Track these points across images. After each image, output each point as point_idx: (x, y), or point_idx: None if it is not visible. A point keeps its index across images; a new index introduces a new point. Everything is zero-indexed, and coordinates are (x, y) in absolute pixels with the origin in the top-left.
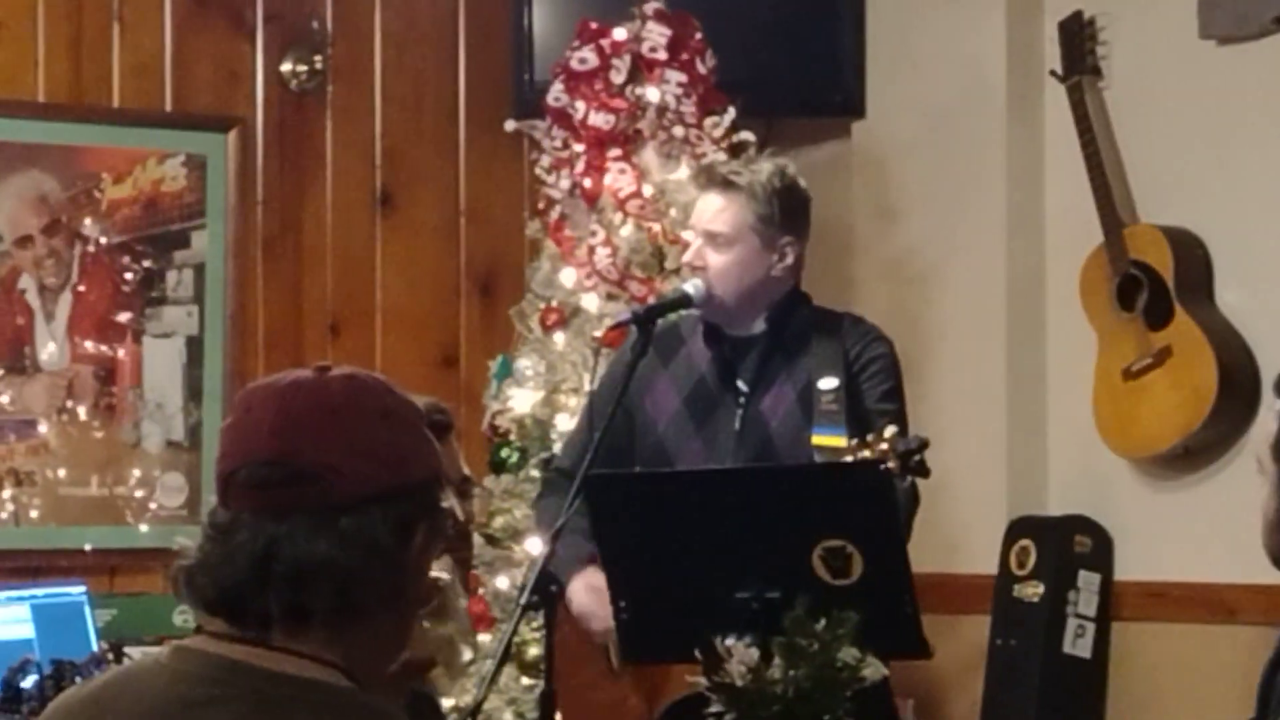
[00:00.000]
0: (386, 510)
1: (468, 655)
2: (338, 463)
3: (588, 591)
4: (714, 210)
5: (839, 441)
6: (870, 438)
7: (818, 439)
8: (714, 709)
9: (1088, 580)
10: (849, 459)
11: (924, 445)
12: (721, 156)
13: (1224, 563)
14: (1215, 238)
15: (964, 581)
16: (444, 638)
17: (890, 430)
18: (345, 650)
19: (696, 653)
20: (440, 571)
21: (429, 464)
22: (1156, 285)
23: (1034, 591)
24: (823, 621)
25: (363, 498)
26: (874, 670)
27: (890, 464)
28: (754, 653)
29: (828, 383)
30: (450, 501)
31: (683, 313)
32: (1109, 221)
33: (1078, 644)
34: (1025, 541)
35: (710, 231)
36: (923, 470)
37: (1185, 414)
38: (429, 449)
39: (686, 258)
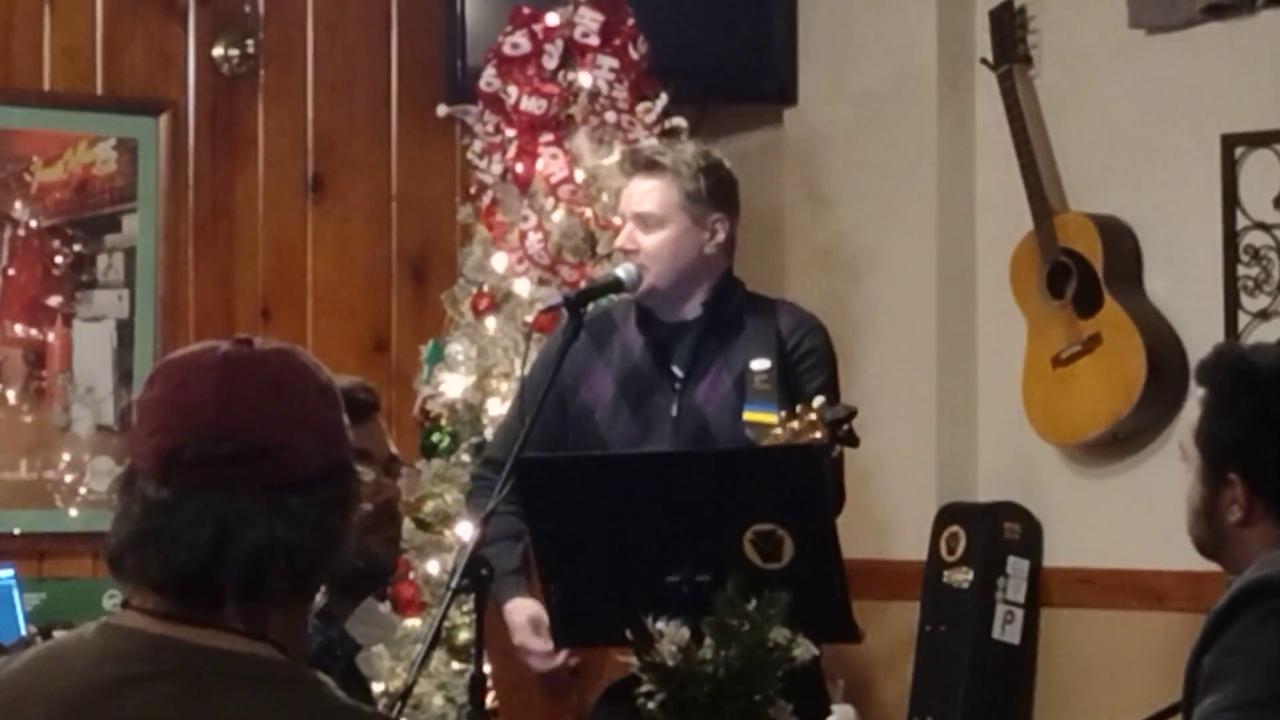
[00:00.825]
0: (330, 488)
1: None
2: (288, 439)
3: (532, 627)
4: (641, 192)
5: (770, 418)
6: (799, 408)
7: (749, 415)
8: (645, 689)
9: (1017, 566)
10: (778, 431)
11: (852, 414)
12: (653, 142)
13: (1152, 549)
14: (1144, 226)
15: (893, 567)
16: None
17: (818, 400)
18: (286, 626)
19: (628, 633)
20: None
21: (351, 439)
22: (1086, 273)
23: (963, 577)
24: (753, 602)
25: (312, 475)
26: (804, 650)
27: (819, 434)
28: (685, 633)
29: (760, 363)
30: (369, 475)
31: (615, 299)
32: (1039, 209)
33: (1006, 630)
34: (954, 528)
35: (640, 213)
36: (851, 439)
37: (1114, 401)
38: (345, 420)
39: (618, 242)
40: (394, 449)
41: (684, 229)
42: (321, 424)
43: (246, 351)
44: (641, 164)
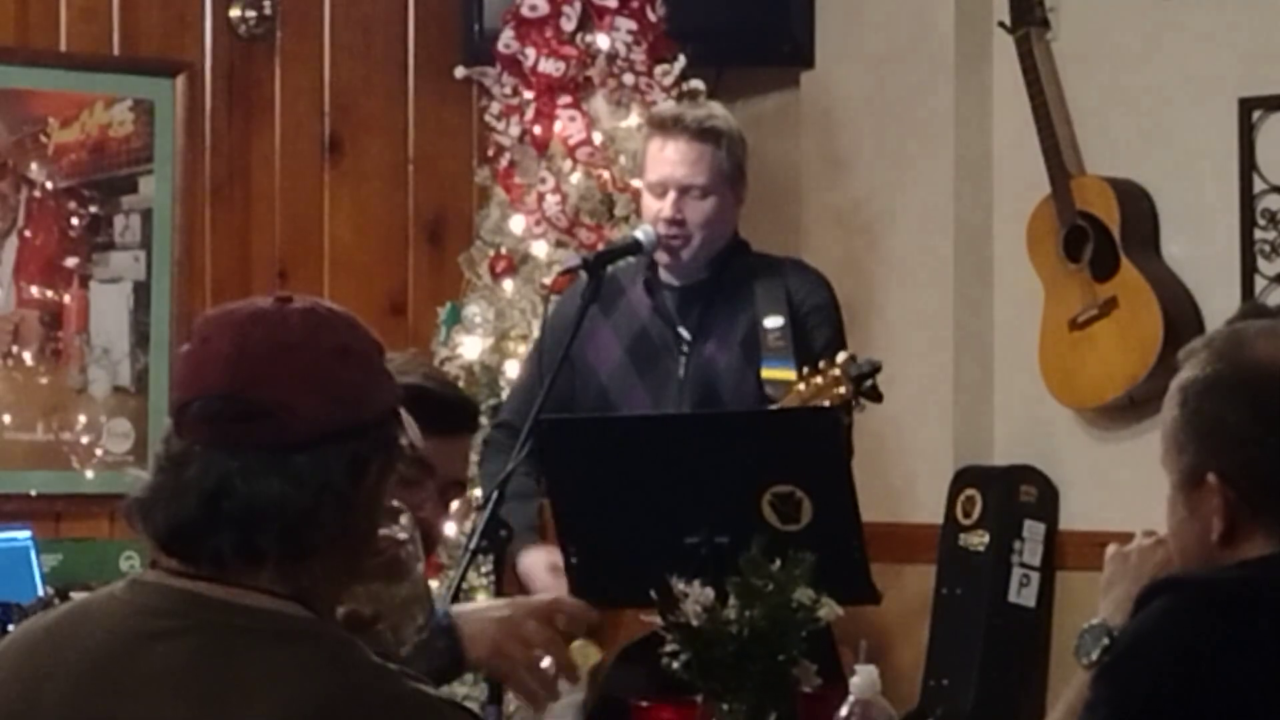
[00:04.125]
0: (340, 449)
1: (419, 620)
2: (291, 400)
3: (551, 572)
4: (692, 160)
5: (789, 374)
6: (823, 364)
7: (767, 372)
8: (669, 648)
9: (1033, 530)
10: (801, 386)
11: (876, 369)
12: (672, 103)
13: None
14: (1161, 190)
15: (909, 530)
16: (397, 598)
17: (842, 356)
18: (297, 586)
19: (652, 593)
20: (401, 530)
21: (385, 401)
22: (1103, 236)
23: (979, 541)
24: (778, 562)
25: (316, 436)
26: (829, 610)
27: (843, 389)
28: (710, 593)
29: (773, 321)
30: (406, 437)
31: (622, 263)
32: (1056, 173)
33: (1022, 593)
34: (971, 491)
35: (690, 184)
36: (875, 395)
37: (1130, 365)
38: (387, 385)
39: (666, 213)
40: (465, 475)
41: (726, 199)
42: (334, 386)
43: (272, 310)
44: (693, 129)
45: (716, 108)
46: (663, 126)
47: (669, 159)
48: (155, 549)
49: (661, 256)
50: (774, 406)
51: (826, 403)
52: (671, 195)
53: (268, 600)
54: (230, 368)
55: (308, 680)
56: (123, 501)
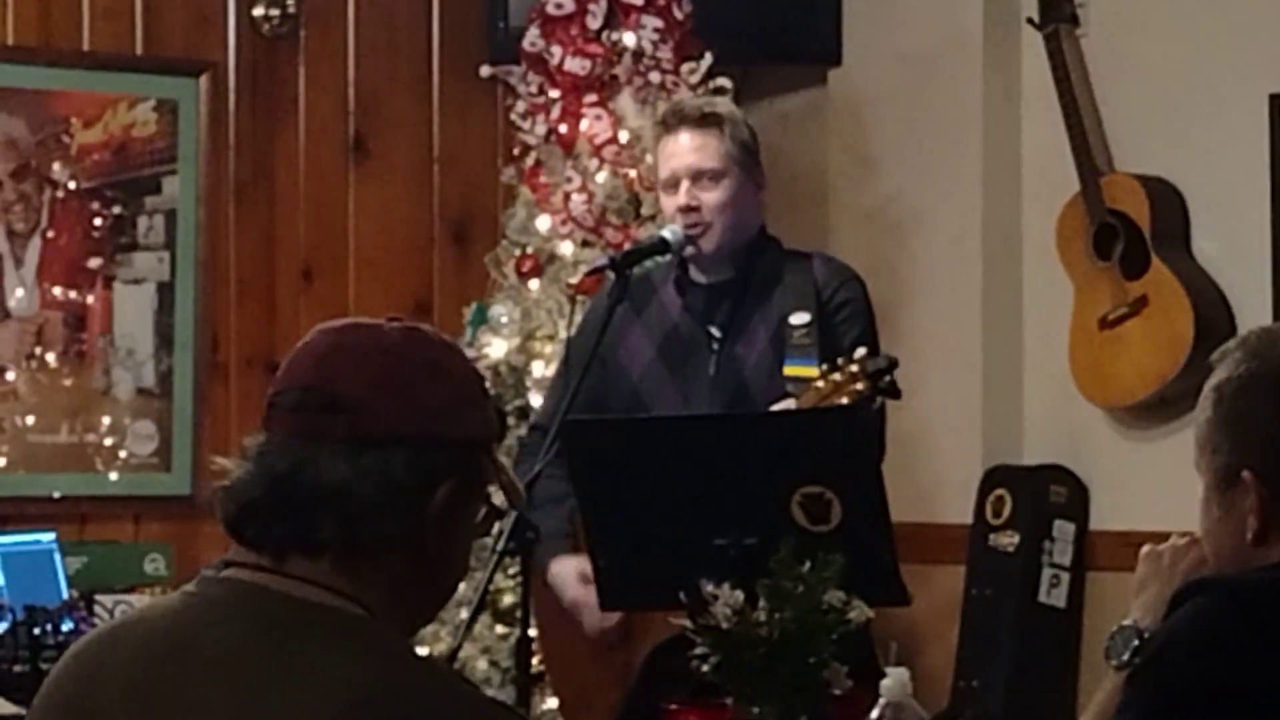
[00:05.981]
0: (412, 455)
1: None
2: (371, 398)
3: (582, 582)
4: (697, 147)
5: (811, 371)
6: (840, 361)
7: (790, 369)
8: (699, 651)
9: (1063, 530)
10: (820, 384)
11: (893, 365)
12: (687, 95)
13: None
14: (1191, 187)
15: (939, 531)
16: None
17: (860, 352)
18: (356, 585)
19: (681, 595)
20: None
21: (472, 429)
22: (1133, 234)
23: (1009, 541)
24: (807, 564)
25: (389, 437)
26: (859, 613)
27: (860, 386)
28: (739, 595)
29: (799, 317)
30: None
31: (655, 261)
32: (1086, 170)
33: (1052, 593)
34: (1000, 491)
35: (699, 169)
36: (893, 391)
37: (1161, 363)
38: (477, 416)
39: (680, 201)
40: None
41: (740, 183)
42: (415, 394)
43: (377, 322)
44: (694, 118)
45: (717, 97)
46: (665, 124)
47: (674, 151)
48: (227, 537)
49: (689, 253)
50: (792, 404)
51: (844, 400)
52: (684, 184)
53: (327, 596)
54: (320, 363)
55: (354, 667)
56: (209, 492)
